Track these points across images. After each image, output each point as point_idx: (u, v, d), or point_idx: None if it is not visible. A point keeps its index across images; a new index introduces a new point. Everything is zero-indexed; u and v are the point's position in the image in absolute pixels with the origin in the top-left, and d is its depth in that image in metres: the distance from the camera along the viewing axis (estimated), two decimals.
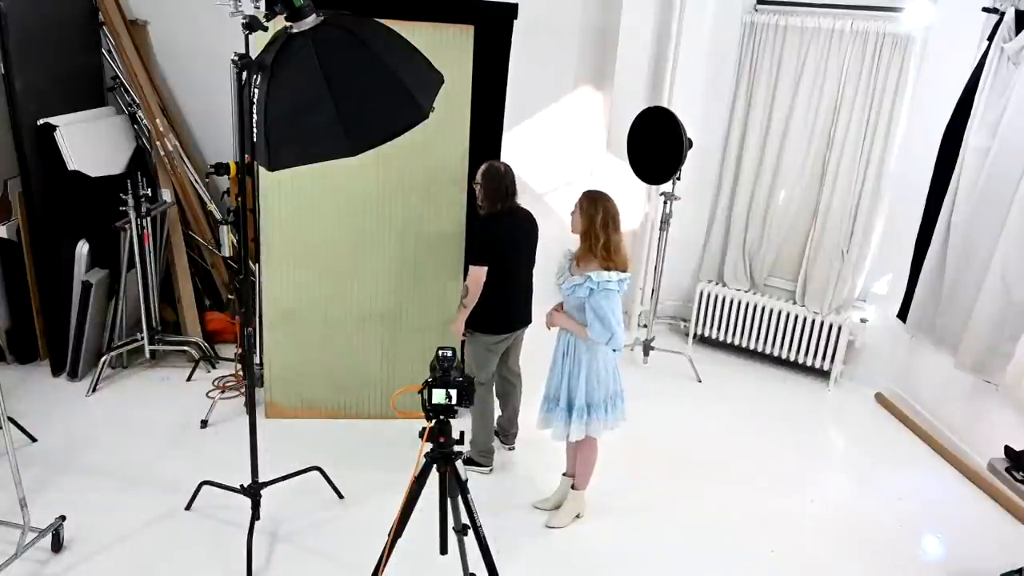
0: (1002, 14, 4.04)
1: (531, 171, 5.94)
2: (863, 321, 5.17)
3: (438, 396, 2.56)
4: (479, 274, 3.56)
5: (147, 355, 4.69)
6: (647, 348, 5.29)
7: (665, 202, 4.99)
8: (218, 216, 5.12)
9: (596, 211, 3.19)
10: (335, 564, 3.25)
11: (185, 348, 4.83)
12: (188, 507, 3.49)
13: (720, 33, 5.28)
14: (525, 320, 3.84)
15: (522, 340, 3.93)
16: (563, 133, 5.83)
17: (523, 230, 3.73)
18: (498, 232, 3.61)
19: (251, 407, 3.18)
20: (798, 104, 5.06)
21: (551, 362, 3.48)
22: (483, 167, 3.66)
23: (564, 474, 3.73)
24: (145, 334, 4.65)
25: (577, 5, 5.58)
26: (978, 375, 4.18)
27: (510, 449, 4.16)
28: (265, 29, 2.65)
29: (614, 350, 3.30)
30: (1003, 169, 4.02)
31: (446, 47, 3.82)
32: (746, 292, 5.48)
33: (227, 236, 4.37)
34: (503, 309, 3.71)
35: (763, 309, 5.38)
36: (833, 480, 4.21)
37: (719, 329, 5.58)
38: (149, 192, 4.56)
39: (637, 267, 5.66)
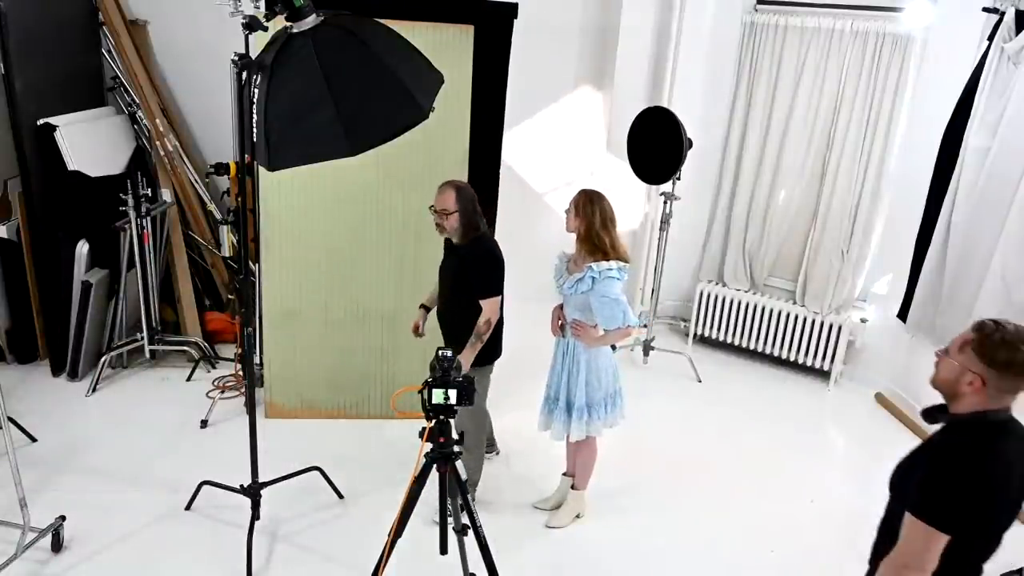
0: (1002, 14, 4.04)
1: (531, 171, 5.95)
2: (863, 321, 5.17)
3: (438, 396, 2.56)
4: (496, 305, 3.31)
5: (147, 355, 4.70)
6: (647, 348, 5.29)
7: (665, 202, 4.99)
8: (218, 216, 5.12)
9: (593, 213, 3.18)
10: (335, 564, 3.25)
11: (185, 348, 4.84)
12: (188, 507, 3.48)
13: (720, 33, 5.28)
14: None
15: None
16: (563, 133, 5.83)
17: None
18: (500, 254, 3.36)
19: (251, 407, 3.18)
20: (798, 104, 5.06)
21: (551, 362, 3.48)
22: (452, 191, 3.30)
23: (564, 474, 3.73)
24: (145, 334, 4.65)
25: (577, 5, 5.58)
26: None
27: (496, 454, 4.07)
28: (265, 29, 2.65)
29: (630, 325, 3.21)
30: (1003, 169, 4.03)
31: (446, 47, 3.82)
32: (746, 292, 5.48)
33: (227, 236, 4.37)
34: (500, 334, 3.51)
35: (763, 309, 5.38)
36: (833, 480, 4.20)
37: (719, 329, 5.58)
38: (149, 192, 4.56)
39: (637, 267, 5.66)
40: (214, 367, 4.80)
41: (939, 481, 1.82)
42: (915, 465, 1.94)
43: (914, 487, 1.85)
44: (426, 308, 3.67)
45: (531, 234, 5.74)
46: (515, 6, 3.91)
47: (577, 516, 3.63)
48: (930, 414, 2.00)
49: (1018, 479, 1.86)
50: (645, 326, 5.33)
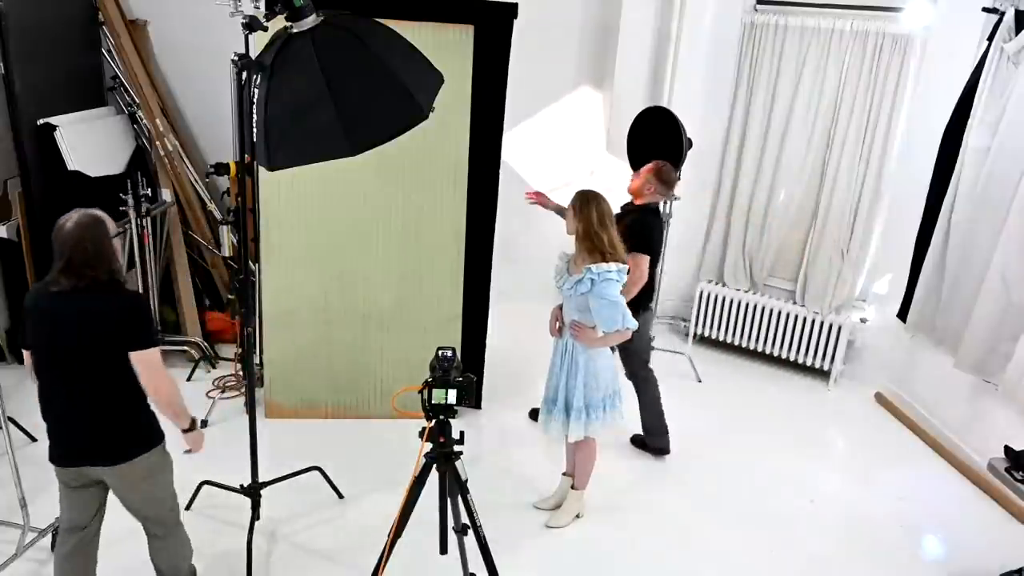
0: (1002, 14, 4.04)
1: (531, 171, 5.95)
2: (863, 321, 5.17)
3: (438, 396, 2.57)
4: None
5: None
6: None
7: (665, 202, 4.98)
8: (218, 216, 5.12)
9: (590, 212, 3.18)
10: (335, 564, 3.25)
11: (185, 348, 4.83)
12: (188, 507, 3.48)
13: (720, 33, 5.28)
14: (83, 455, 2.47)
15: (132, 488, 2.59)
16: (563, 133, 5.84)
17: (62, 320, 2.36)
18: (26, 313, 2.45)
19: (251, 407, 3.18)
20: (798, 104, 5.06)
21: (549, 363, 3.48)
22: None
23: (564, 474, 3.73)
24: None
25: (577, 5, 5.58)
26: (978, 375, 4.18)
27: None
28: (265, 29, 2.65)
29: (628, 328, 3.19)
30: (1003, 169, 4.02)
31: (446, 47, 3.82)
32: (746, 292, 5.49)
33: (227, 236, 4.36)
34: (49, 429, 2.50)
35: (763, 309, 5.38)
36: (833, 480, 4.20)
37: (719, 329, 5.58)
38: (149, 192, 4.56)
39: None
40: (214, 367, 4.80)
41: (635, 230, 3.68)
42: None
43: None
44: None
45: (530, 234, 5.74)
46: (515, 6, 3.91)
47: (577, 516, 3.63)
48: (624, 209, 3.95)
49: None
50: None
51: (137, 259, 4.54)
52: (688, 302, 5.81)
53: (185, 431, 2.67)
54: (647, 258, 3.72)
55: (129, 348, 2.38)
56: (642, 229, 3.73)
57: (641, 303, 3.81)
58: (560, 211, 4.03)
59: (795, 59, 5.04)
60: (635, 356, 4.01)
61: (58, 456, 2.51)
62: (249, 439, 3.17)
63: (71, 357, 2.38)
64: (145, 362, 2.41)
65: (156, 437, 2.61)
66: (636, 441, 4.27)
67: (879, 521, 3.81)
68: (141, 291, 4.63)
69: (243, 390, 4.43)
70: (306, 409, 4.29)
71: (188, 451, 2.74)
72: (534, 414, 4.34)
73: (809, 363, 5.28)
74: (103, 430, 2.46)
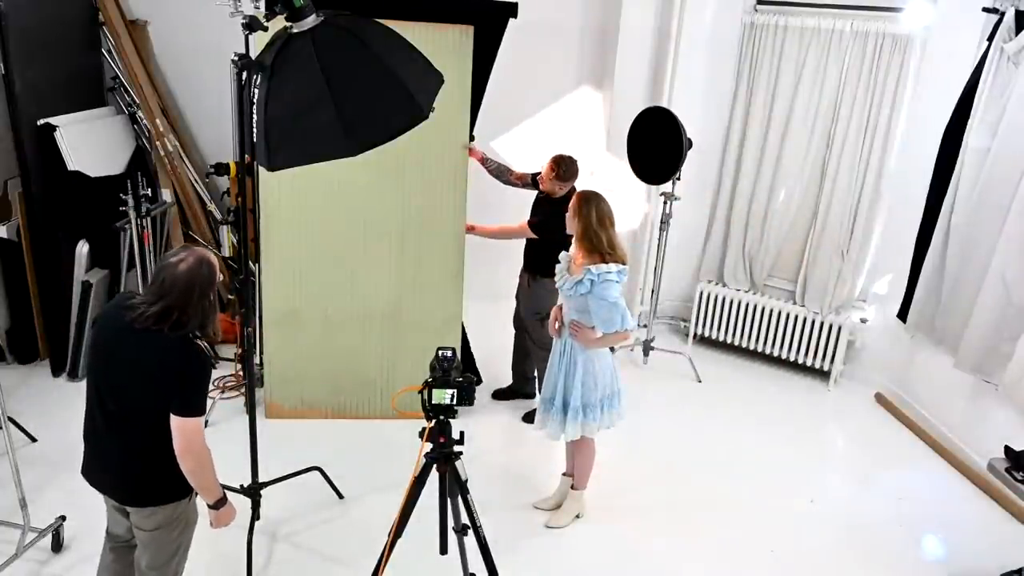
0: (1002, 14, 4.04)
1: (531, 171, 5.94)
2: (863, 321, 5.17)
3: (438, 396, 2.57)
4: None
5: None
6: (647, 348, 5.29)
7: (665, 202, 4.99)
8: (218, 216, 5.12)
9: (589, 212, 3.19)
10: (335, 564, 3.25)
11: None
12: None
13: (720, 33, 5.28)
14: (103, 484, 2.50)
15: (138, 528, 2.45)
16: (563, 133, 5.83)
17: (121, 355, 2.31)
18: (93, 331, 2.54)
19: (251, 407, 3.18)
20: (798, 104, 5.06)
21: (548, 363, 3.48)
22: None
23: (564, 474, 3.73)
24: None
25: (577, 5, 5.58)
26: (978, 375, 4.18)
27: None
28: (265, 29, 2.65)
29: (627, 329, 3.20)
30: (1003, 169, 4.02)
31: (446, 48, 3.82)
32: (746, 292, 5.48)
33: (227, 236, 4.37)
34: (84, 444, 2.57)
35: (763, 309, 5.37)
36: (833, 480, 4.21)
37: (719, 329, 5.57)
38: (149, 192, 4.56)
39: (637, 267, 5.66)
40: (214, 367, 4.78)
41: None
42: None
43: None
44: None
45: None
46: (515, 6, 3.91)
47: (577, 516, 3.63)
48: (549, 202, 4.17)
49: None
50: (644, 326, 5.34)
51: (137, 259, 4.53)
52: (688, 302, 5.81)
53: (211, 506, 2.45)
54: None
55: (172, 410, 2.26)
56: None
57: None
58: (495, 171, 4.43)
59: (795, 59, 5.04)
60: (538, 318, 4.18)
61: (85, 471, 2.53)
62: (249, 439, 3.18)
63: (118, 394, 2.32)
64: (181, 429, 2.26)
65: (178, 493, 2.42)
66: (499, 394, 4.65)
67: (879, 521, 3.81)
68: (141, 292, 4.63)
69: (243, 390, 4.43)
70: (306, 409, 4.29)
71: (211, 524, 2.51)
72: (527, 417, 4.35)
73: (809, 363, 5.28)
74: (128, 470, 2.39)
